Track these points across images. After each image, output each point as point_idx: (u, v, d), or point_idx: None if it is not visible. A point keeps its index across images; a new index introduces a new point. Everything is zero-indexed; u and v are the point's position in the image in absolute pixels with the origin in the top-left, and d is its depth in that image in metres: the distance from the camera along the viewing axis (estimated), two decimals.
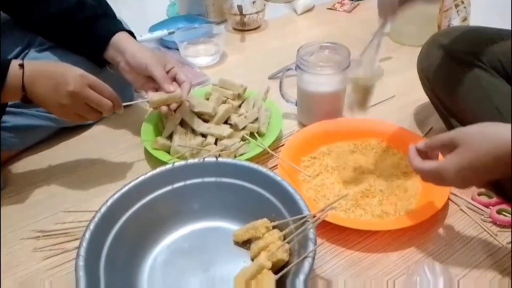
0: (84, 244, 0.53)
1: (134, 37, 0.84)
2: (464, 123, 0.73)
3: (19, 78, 0.66)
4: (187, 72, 1.02)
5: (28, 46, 0.88)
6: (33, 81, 0.67)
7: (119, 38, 0.80)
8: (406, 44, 1.15)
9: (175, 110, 0.80)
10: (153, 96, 0.76)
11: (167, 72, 0.78)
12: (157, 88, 0.78)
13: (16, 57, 0.86)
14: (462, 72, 0.73)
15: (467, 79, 0.72)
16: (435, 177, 0.55)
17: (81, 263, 0.51)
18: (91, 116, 0.72)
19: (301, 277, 0.48)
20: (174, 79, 0.79)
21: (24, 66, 0.67)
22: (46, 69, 0.69)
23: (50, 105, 0.69)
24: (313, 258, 0.51)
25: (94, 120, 0.73)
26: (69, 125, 0.88)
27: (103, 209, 0.58)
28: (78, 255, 0.52)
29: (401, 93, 0.97)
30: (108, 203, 0.59)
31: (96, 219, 0.57)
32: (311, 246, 0.52)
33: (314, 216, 0.55)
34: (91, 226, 0.56)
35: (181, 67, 1.05)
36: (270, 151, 0.77)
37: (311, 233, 0.53)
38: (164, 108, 0.77)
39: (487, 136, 0.51)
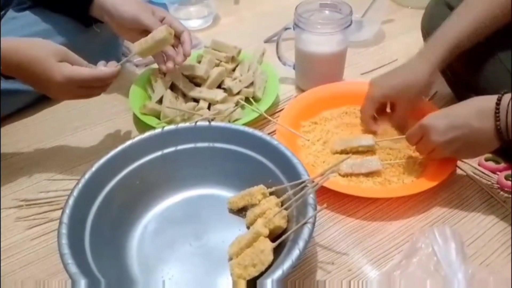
0: (67, 211, 0.49)
1: None
2: (474, 87, 0.69)
3: None
4: None
5: (6, 5, 0.82)
6: (8, 70, 0.60)
7: None
8: (408, 6, 1.10)
9: (164, 74, 0.75)
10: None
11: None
12: None
13: None
14: None
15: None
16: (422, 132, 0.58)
17: (63, 230, 0.47)
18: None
19: (301, 243, 0.45)
20: None
21: None
22: (23, 60, 0.59)
23: (32, 87, 0.65)
24: (313, 224, 0.47)
25: None
26: None
27: (87, 175, 0.54)
28: (60, 222, 0.48)
29: (404, 57, 0.91)
30: (93, 169, 0.55)
31: (80, 185, 0.53)
32: (310, 212, 0.48)
33: (313, 181, 0.52)
34: (75, 193, 0.52)
35: None
36: (266, 116, 0.73)
37: (311, 198, 0.50)
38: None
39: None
